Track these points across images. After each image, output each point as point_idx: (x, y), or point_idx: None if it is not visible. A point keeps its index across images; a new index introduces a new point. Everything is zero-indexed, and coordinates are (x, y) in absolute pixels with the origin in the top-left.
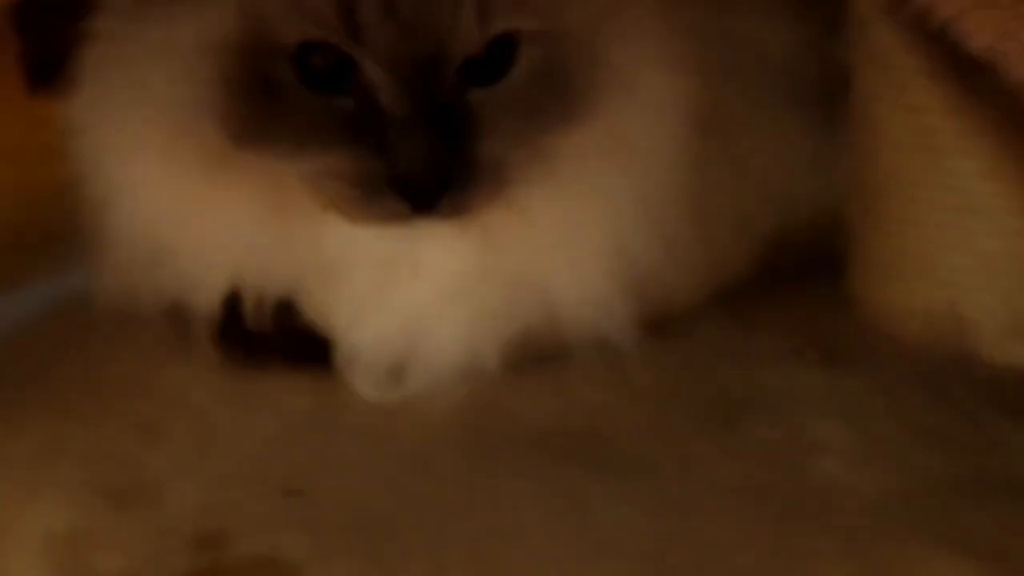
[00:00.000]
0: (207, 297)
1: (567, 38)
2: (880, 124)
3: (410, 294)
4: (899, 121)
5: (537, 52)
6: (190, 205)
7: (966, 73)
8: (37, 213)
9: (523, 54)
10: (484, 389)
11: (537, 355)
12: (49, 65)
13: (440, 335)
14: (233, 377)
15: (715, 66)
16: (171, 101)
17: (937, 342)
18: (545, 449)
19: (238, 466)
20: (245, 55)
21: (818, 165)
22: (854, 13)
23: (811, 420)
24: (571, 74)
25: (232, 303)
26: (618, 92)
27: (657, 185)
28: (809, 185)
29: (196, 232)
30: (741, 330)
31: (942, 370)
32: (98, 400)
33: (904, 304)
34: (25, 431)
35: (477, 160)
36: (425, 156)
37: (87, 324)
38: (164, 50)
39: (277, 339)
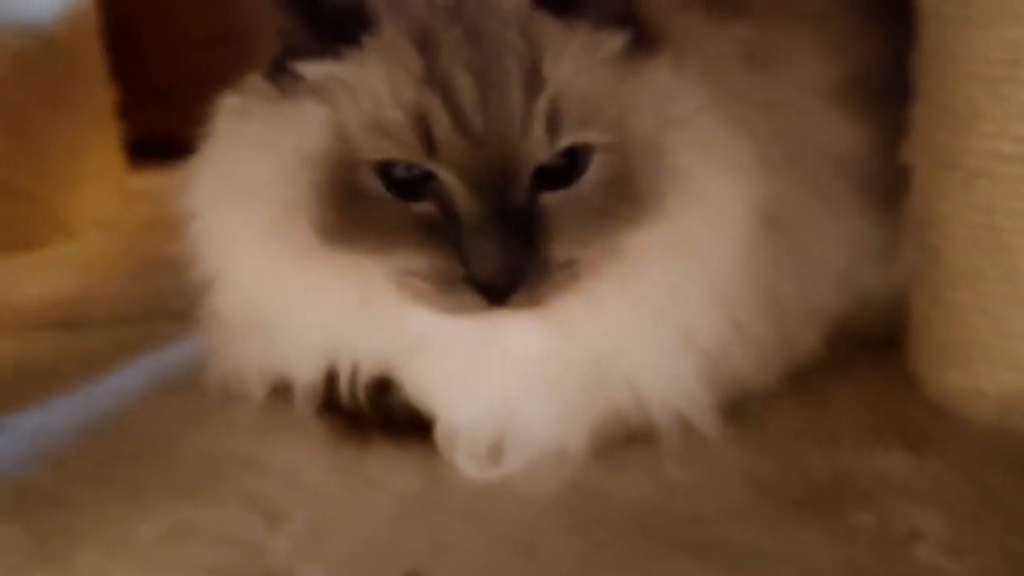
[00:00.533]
0: (306, 375)
1: (635, 147)
2: (944, 221)
3: (499, 378)
4: (964, 219)
5: (607, 160)
6: (287, 289)
7: None
8: (137, 286)
9: (594, 162)
10: (580, 469)
11: (625, 437)
12: (149, 146)
13: (530, 417)
14: (342, 455)
15: (784, 166)
16: (271, 197)
17: (1008, 423)
18: (649, 534)
19: (358, 548)
20: (335, 166)
21: (883, 255)
22: (918, 116)
23: (903, 505)
24: (639, 180)
25: (332, 381)
26: (684, 196)
27: (723, 279)
28: (874, 273)
29: (292, 314)
30: (817, 411)
31: (1020, 451)
32: (218, 480)
33: (972, 386)
34: (154, 512)
35: (548, 258)
36: (497, 258)
37: (199, 399)
38: (267, 151)
39: (378, 417)
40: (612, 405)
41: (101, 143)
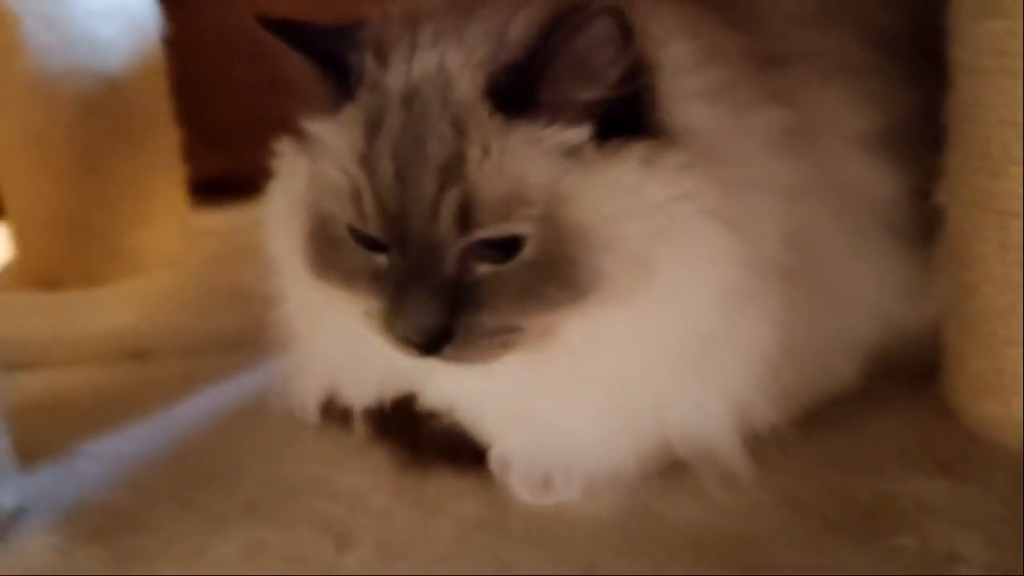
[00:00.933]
0: (362, 395)
1: (575, 235)
2: (980, 259)
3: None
4: (999, 257)
5: (539, 246)
6: (317, 316)
7: None
8: (203, 319)
9: (527, 245)
10: (632, 493)
11: (671, 461)
12: (210, 186)
13: (578, 445)
14: (405, 480)
15: (812, 220)
16: (291, 236)
17: None
18: (702, 554)
19: (423, 570)
20: (315, 214)
21: (916, 290)
22: (952, 161)
23: (943, 529)
24: (574, 266)
25: (390, 407)
26: (638, 281)
27: (702, 325)
28: (908, 308)
29: (340, 336)
30: (856, 439)
31: None
32: (289, 503)
33: (1007, 415)
34: (228, 533)
35: (476, 325)
36: (412, 321)
37: (267, 426)
38: (288, 196)
39: (434, 444)
40: (654, 435)
41: (167, 182)
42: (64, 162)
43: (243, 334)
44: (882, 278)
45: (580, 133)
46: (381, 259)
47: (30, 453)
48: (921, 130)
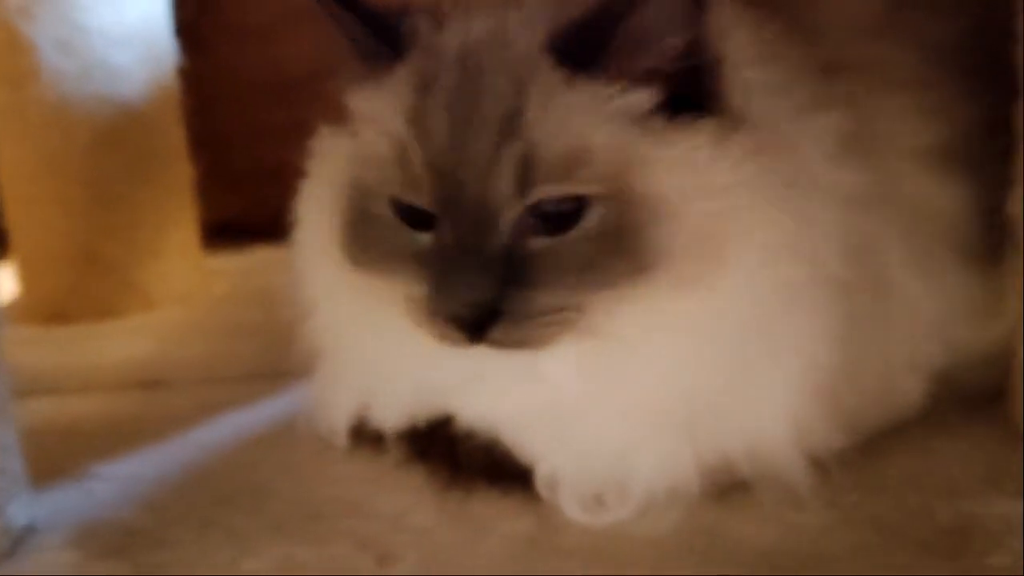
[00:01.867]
0: (393, 417)
1: (644, 204)
2: None
3: (589, 421)
4: None
5: (605, 212)
6: (358, 327)
7: None
8: (214, 351)
9: (591, 212)
10: (695, 511)
11: (735, 480)
12: (224, 229)
13: (634, 461)
14: (448, 499)
15: (878, 230)
16: (327, 227)
17: None
18: (779, 572)
19: None
20: (355, 193)
21: (982, 311)
22: (1018, 170)
23: None
24: (642, 237)
25: (426, 429)
26: (705, 262)
27: (756, 339)
28: (974, 329)
29: (368, 354)
30: (929, 461)
31: None
32: (321, 522)
33: None
34: (257, 552)
35: (528, 302)
36: (461, 295)
37: (290, 449)
38: (324, 185)
39: (475, 463)
40: (717, 450)
41: (181, 218)
42: (77, 191)
43: (257, 366)
44: (948, 298)
45: (644, 98)
46: (424, 238)
47: (43, 475)
48: (985, 144)
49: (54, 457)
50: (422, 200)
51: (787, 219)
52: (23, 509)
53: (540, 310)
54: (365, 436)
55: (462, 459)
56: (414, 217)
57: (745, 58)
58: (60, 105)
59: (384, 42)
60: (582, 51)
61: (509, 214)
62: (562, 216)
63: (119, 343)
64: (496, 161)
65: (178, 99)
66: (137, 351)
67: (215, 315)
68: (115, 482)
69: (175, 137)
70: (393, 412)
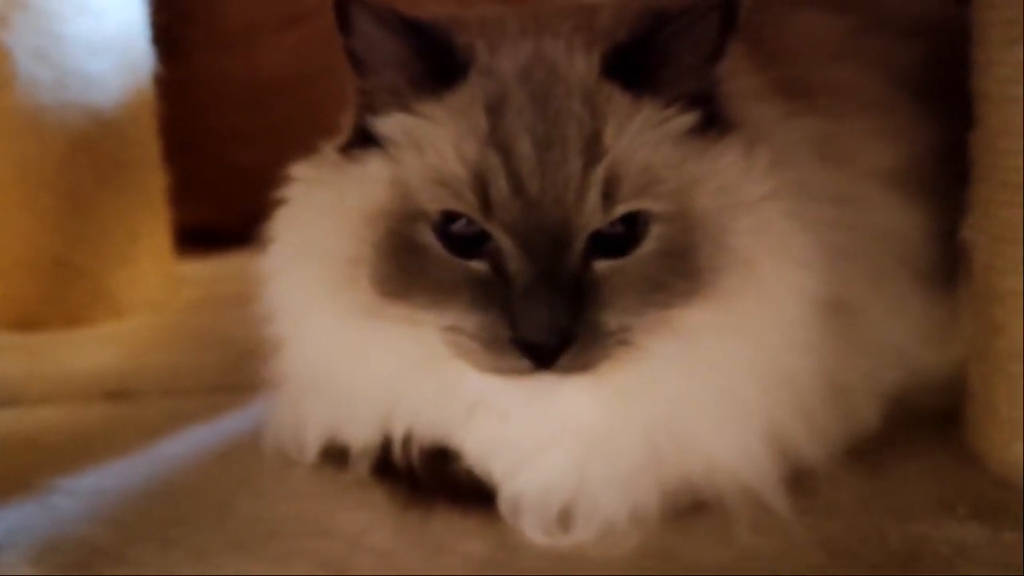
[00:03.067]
0: (363, 439)
1: (696, 222)
2: (1010, 295)
3: (560, 446)
4: None
5: (665, 232)
6: (347, 349)
7: None
8: (184, 361)
9: (651, 233)
10: (650, 534)
11: (694, 503)
12: (194, 235)
13: (597, 485)
14: (406, 519)
15: (848, 253)
16: (336, 256)
17: None
18: None
19: None
20: (395, 220)
21: (938, 335)
22: (978, 195)
23: (983, 572)
24: (696, 255)
25: (390, 446)
26: (742, 280)
27: (782, 360)
28: (930, 352)
29: (351, 376)
30: (882, 484)
31: None
32: (281, 541)
33: None
34: (217, 570)
35: (597, 324)
36: (545, 320)
37: (253, 465)
38: (333, 213)
39: (437, 484)
40: (679, 473)
41: (153, 225)
42: (49, 199)
43: (225, 377)
44: (906, 320)
45: (690, 119)
46: (478, 266)
47: (4, 489)
48: (942, 169)
49: (17, 470)
50: (497, 221)
51: (803, 230)
52: None
53: (606, 332)
54: (328, 453)
55: (423, 479)
56: (462, 245)
57: (729, 73)
58: (35, 113)
59: (441, 63)
60: (638, 74)
61: (585, 234)
62: (620, 238)
63: (87, 352)
64: (585, 182)
65: (154, 108)
66: (105, 360)
67: (183, 324)
68: (77, 497)
69: (150, 145)
70: (361, 430)
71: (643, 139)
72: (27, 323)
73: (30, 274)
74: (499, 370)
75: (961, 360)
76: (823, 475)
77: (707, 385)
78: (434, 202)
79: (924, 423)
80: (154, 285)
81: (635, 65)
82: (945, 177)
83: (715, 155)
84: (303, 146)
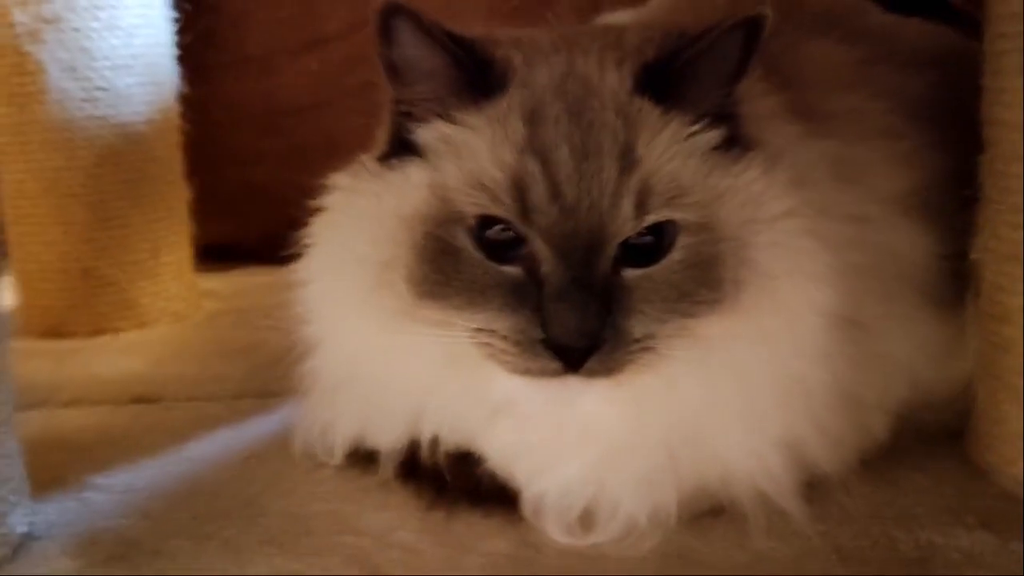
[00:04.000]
0: (391, 441)
1: (721, 235)
2: (1014, 314)
3: (583, 449)
4: None
5: (692, 243)
6: (379, 351)
7: None
8: (207, 370)
9: (679, 244)
10: (668, 538)
11: (711, 508)
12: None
13: (619, 487)
14: (431, 518)
15: (860, 272)
16: (372, 259)
17: None
18: None
19: None
20: (432, 224)
21: (943, 353)
22: (987, 217)
23: None
24: (721, 266)
25: (416, 449)
26: (761, 293)
27: (797, 372)
28: (936, 369)
29: (382, 378)
30: (892, 494)
31: None
32: (312, 537)
33: None
34: (252, 563)
35: (624, 330)
36: (576, 323)
37: (281, 465)
38: (370, 218)
39: (461, 485)
40: (697, 477)
41: (175, 238)
42: (77, 210)
43: (246, 385)
44: (914, 339)
45: (716, 135)
46: (511, 270)
47: (40, 485)
48: (948, 192)
49: (51, 468)
50: (535, 225)
51: (821, 248)
52: (23, 517)
53: (632, 338)
54: (354, 456)
55: (447, 480)
56: (496, 249)
57: (748, 94)
58: (64, 126)
59: (482, 75)
60: (667, 90)
61: (617, 241)
62: (648, 248)
63: (113, 359)
64: (619, 190)
65: (178, 124)
66: (131, 367)
67: (205, 334)
68: (112, 493)
69: (174, 160)
70: (389, 432)
71: (673, 151)
72: (50, 331)
73: (58, 284)
74: (529, 371)
75: (965, 378)
76: (836, 483)
77: (725, 393)
78: (472, 206)
79: (930, 438)
80: (176, 297)
81: (664, 81)
82: (950, 201)
83: (738, 171)
84: (320, 167)
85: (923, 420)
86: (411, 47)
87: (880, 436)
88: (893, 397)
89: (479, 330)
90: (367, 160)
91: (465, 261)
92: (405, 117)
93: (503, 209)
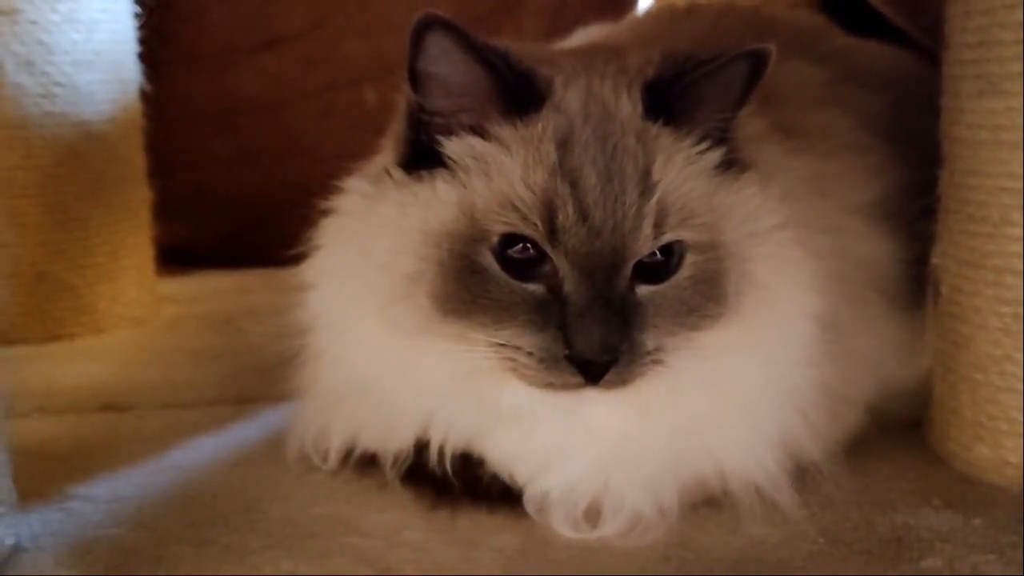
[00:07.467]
0: (397, 443)
1: (724, 251)
2: (975, 313)
3: (589, 449)
4: (994, 310)
5: (699, 261)
6: (396, 359)
7: None
8: (173, 377)
9: (687, 262)
10: (670, 528)
11: (708, 498)
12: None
13: (624, 483)
14: (436, 518)
15: (833, 278)
16: (393, 271)
17: None
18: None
19: None
20: (458, 242)
21: (906, 350)
22: (946, 226)
23: (963, 552)
24: (725, 281)
25: (420, 450)
26: (759, 303)
27: (790, 375)
28: (900, 366)
29: (395, 385)
30: (864, 481)
31: None
32: (317, 540)
33: (999, 458)
34: (261, 566)
35: (639, 344)
36: (599, 338)
37: (274, 471)
38: (394, 229)
39: (465, 486)
40: (696, 474)
41: (136, 241)
42: (34, 211)
43: (224, 391)
44: (879, 337)
45: (718, 155)
46: (534, 288)
47: (20, 496)
48: (909, 202)
49: (28, 479)
50: (557, 248)
51: (807, 257)
52: (10, 528)
53: (645, 351)
54: (348, 460)
55: (450, 481)
56: (518, 268)
57: (742, 116)
58: (21, 123)
59: (520, 92)
60: (674, 111)
61: (635, 260)
62: (659, 266)
63: (72, 365)
64: (640, 212)
65: (141, 123)
66: (95, 374)
67: (170, 340)
68: (97, 503)
69: (136, 161)
70: (396, 436)
71: (684, 174)
72: (5, 337)
73: (12, 287)
74: (551, 385)
75: (926, 372)
76: (819, 472)
77: (726, 399)
78: (500, 224)
79: (891, 428)
80: (136, 302)
81: (672, 103)
82: (909, 210)
83: (738, 189)
84: (276, 169)
85: (888, 411)
86: (448, 60)
87: (854, 428)
88: (864, 391)
89: (503, 346)
90: (391, 168)
91: (489, 279)
92: (432, 128)
93: (531, 229)
